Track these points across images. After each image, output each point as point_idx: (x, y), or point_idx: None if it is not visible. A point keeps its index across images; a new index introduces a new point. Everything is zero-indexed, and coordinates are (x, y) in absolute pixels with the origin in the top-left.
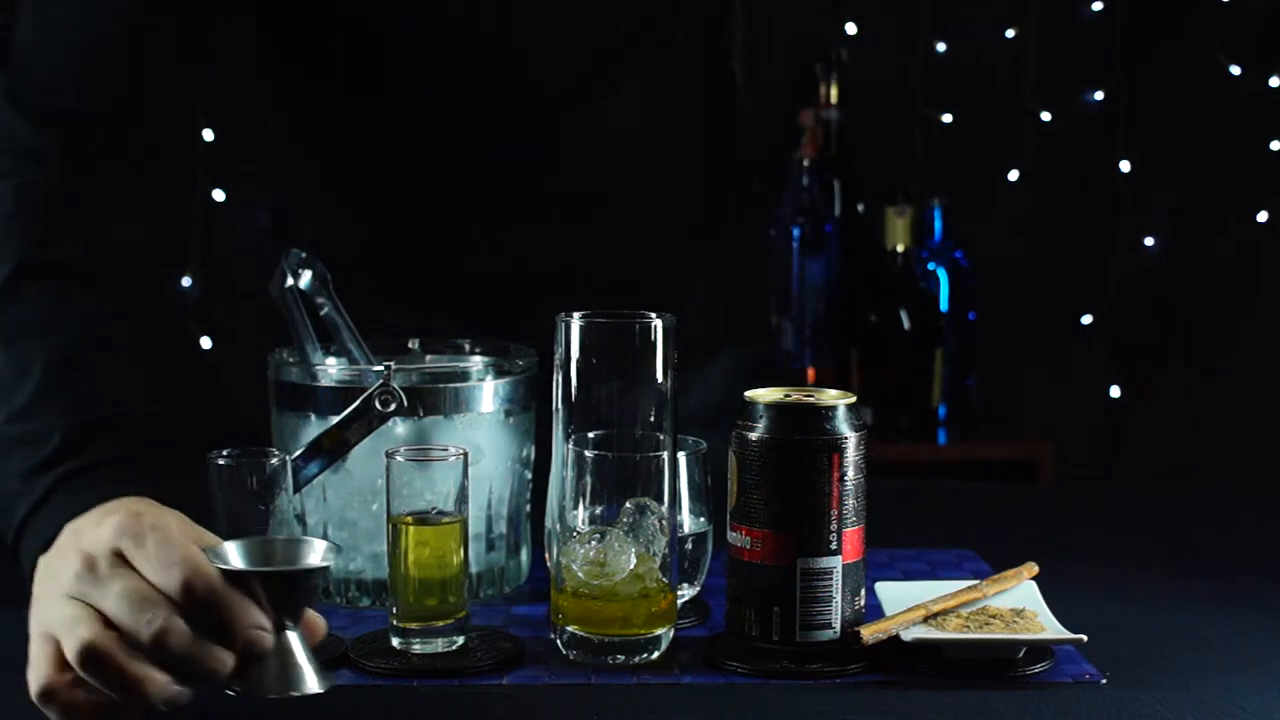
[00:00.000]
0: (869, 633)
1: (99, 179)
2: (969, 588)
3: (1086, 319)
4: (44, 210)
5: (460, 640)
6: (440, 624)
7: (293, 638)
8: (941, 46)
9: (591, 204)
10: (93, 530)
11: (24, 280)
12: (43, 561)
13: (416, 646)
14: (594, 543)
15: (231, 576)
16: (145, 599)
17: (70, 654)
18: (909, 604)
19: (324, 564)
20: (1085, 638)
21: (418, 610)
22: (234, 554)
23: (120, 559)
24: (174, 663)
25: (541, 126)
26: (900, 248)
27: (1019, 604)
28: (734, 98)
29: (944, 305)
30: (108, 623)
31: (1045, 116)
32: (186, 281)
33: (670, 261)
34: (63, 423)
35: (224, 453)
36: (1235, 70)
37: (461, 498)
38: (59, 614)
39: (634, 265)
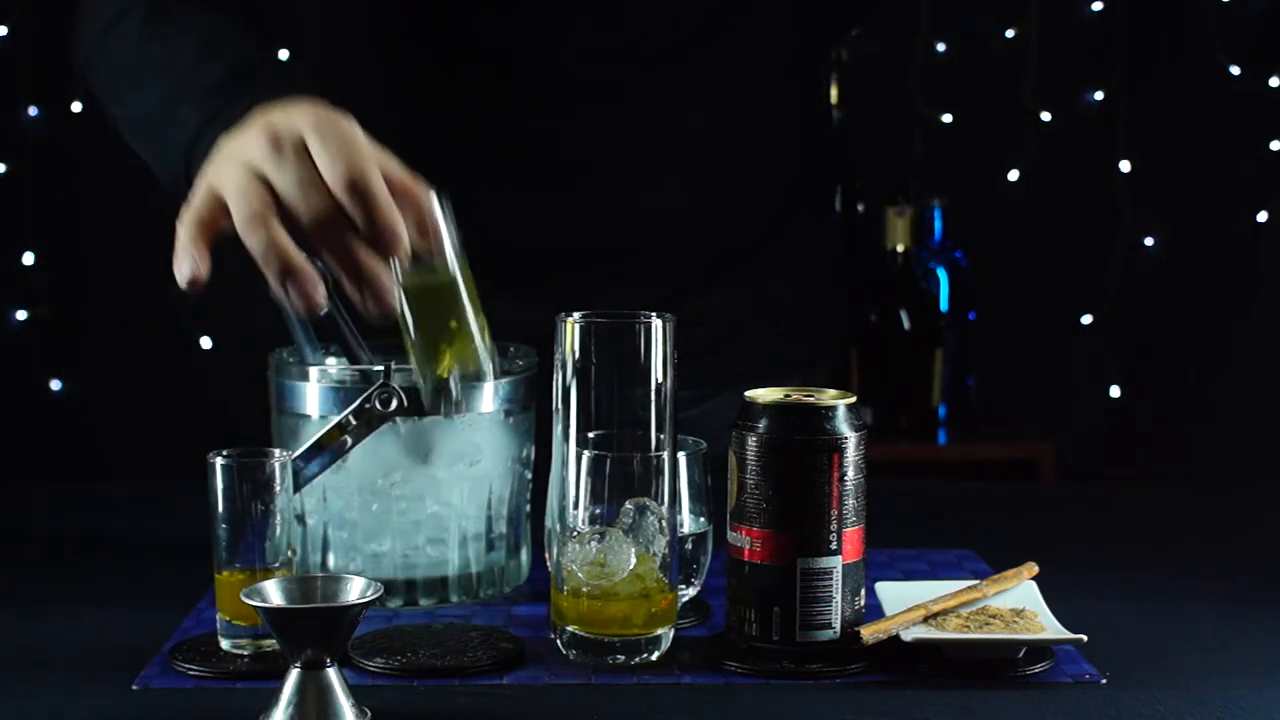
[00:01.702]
0: (869, 633)
1: None
2: (969, 588)
3: (1086, 319)
4: None
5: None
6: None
7: (331, 674)
8: (941, 46)
9: (663, 175)
10: (283, 114)
11: (167, 4)
12: (225, 139)
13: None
14: (594, 543)
15: (272, 614)
16: (316, 186)
17: (237, 215)
18: (909, 604)
19: (364, 601)
20: (1085, 638)
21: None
22: (274, 592)
23: (304, 147)
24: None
25: (633, 83)
26: (900, 248)
27: (1019, 604)
28: (827, 83)
29: (944, 305)
30: (277, 200)
31: (1045, 116)
32: None
33: (755, 237)
34: (238, 61)
35: (224, 453)
36: (1235, 70)
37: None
38: (235, 179)
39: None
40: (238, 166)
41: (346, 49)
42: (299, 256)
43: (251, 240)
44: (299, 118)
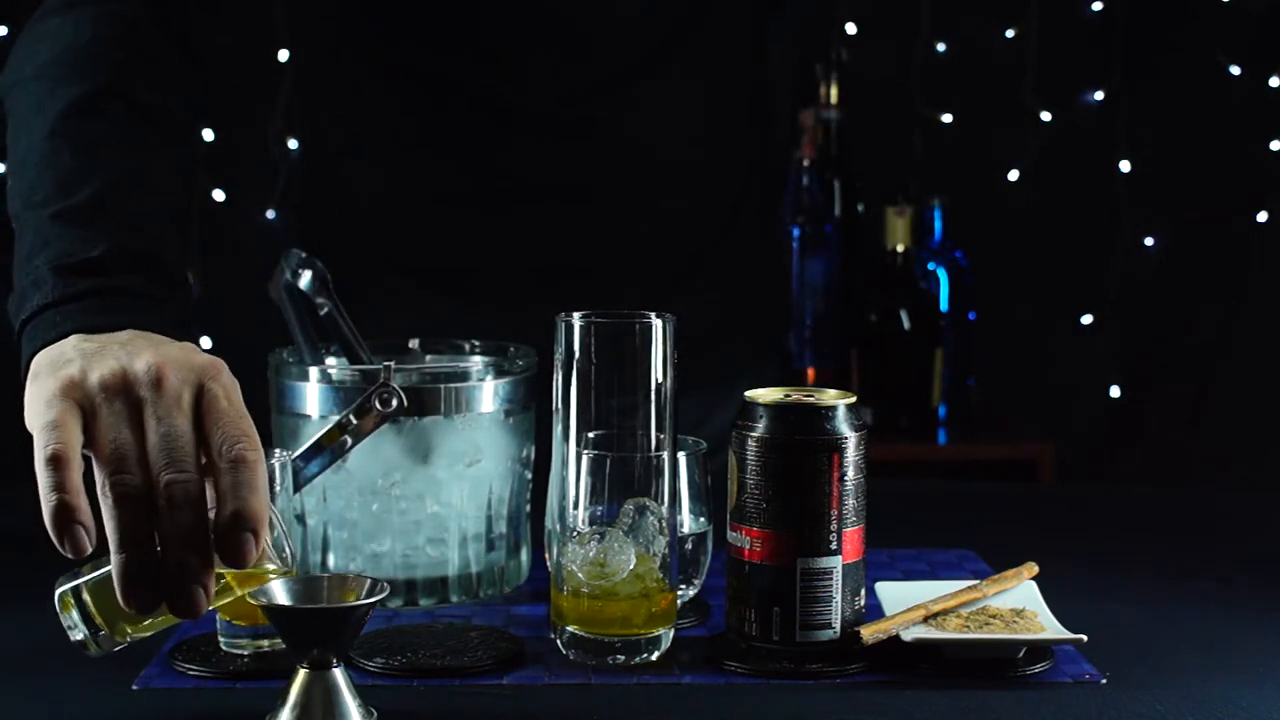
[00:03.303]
0: (869, 633)
1: (173, 46)
2: (969, 588)
3: (1086, 319)
4: (135, 44)
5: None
6: None
7: (338, 674)
8: (941, 46)
9: (621, 191)
10: (124, 352)
11: (108, 98)
12: (43, 357)
13: None
14: (594, 543)
15: (279, 614)
16: (128, 458)
17: (39, 449)
18: (909, 604)
19: (370, 601)
20: (1085, 638)
21: None
22: (280, 592)
23: (145, 400)
24: (111, 526)
25: (588, 107)
26: (900, 248)
27: (1019, 604)
28: (769, 96)
29: (944, 305)
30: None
31: (1045, 116)
32: None
33: (698, 254)
34: (112, 237)
35: None
36: (1235, 70)
37: None
38: (46, 408)
39: (663, 255)
40: (53, 390)
41: (331, 89)
42: (77, 510)
43: (41, 484)
44: (164, 359)
